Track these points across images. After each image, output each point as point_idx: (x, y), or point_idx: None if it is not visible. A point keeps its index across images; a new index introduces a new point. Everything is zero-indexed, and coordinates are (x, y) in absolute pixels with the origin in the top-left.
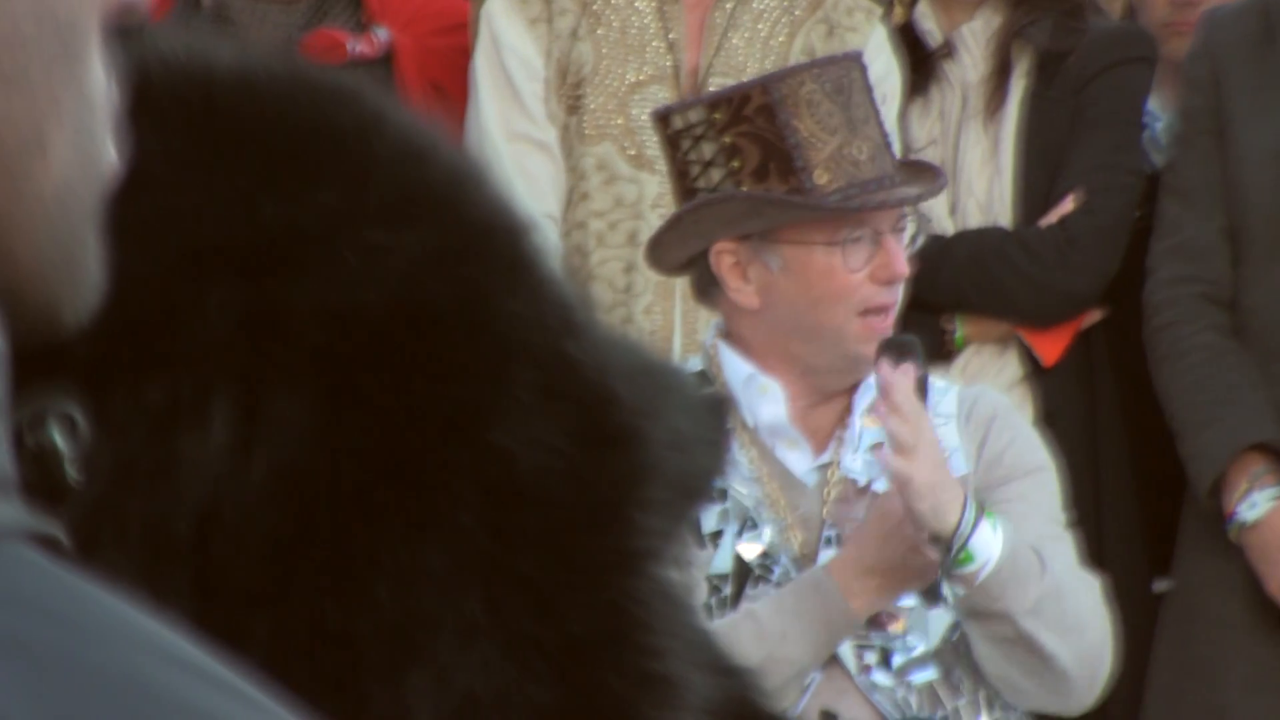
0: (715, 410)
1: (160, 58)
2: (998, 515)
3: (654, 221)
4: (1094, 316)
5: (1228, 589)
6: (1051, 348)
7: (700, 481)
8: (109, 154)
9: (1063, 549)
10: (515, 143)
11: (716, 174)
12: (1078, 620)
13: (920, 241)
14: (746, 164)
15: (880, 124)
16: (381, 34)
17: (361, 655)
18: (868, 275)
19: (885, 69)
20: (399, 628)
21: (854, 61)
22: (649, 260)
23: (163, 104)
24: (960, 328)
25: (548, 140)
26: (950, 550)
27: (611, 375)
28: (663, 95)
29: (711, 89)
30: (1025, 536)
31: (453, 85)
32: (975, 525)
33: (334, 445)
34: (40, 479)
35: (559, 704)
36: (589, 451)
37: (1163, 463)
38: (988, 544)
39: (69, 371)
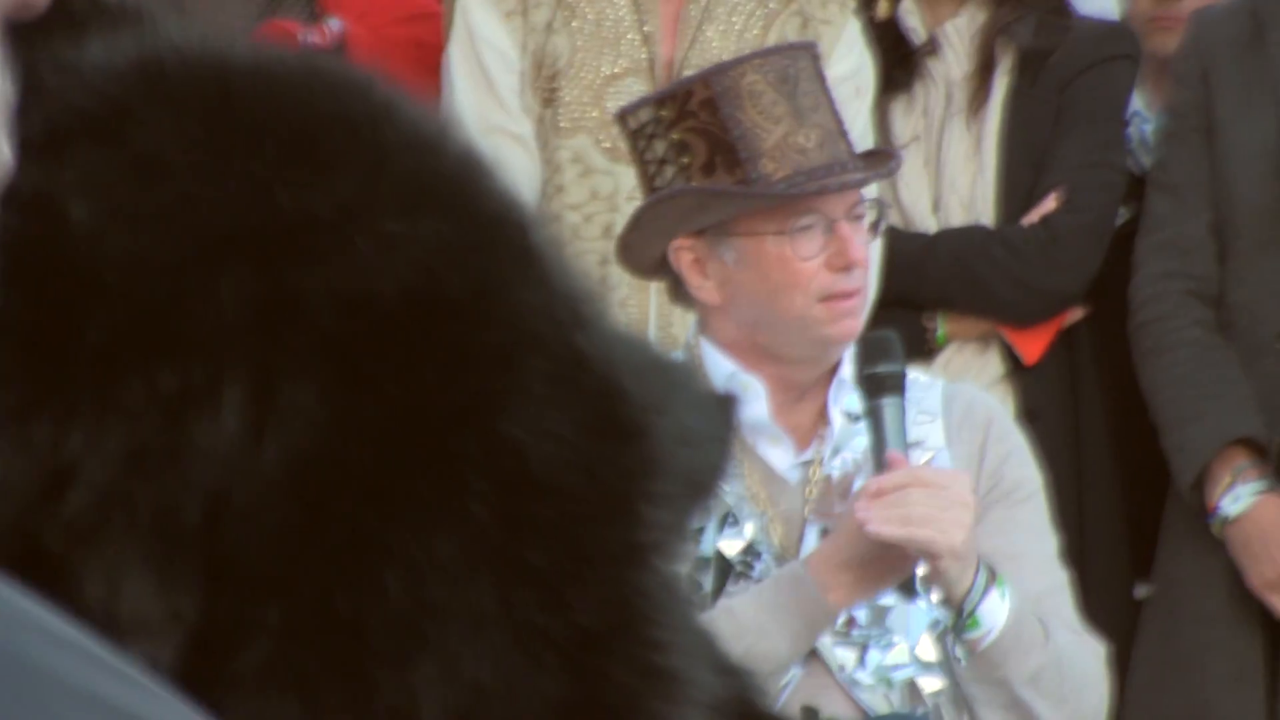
0: (723, 407)
1: (175, 48)
2: (1007, 583)
3: (629, 214)
4: (1076, 314)
5: (1210, 585)
6: (1033, 346)
7: (707, 477)
8: (2, 152)
9: (1065, 600)
10: (491, 136)
11: (670, 171)
12: (1076, 689)
13: (884, 228)
14: (695, 159)
15: (834, 112)
16: (334, 25)
17: (370, 644)
18: (823, 263)
19: (858, 62)
20: (408, 617)
21: (802, 50)
22: (621, 263)
23: (179, 93)
24: (942, 325)
25: (523, 133)
26: (961, 614)
27: (621, 369)
28: (638, 88)
29: None
30: (1034, 587)
31: (408, 76)
32: (985, 592)
33: (346, 433)
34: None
35: (566, 695)
36: (599, 444)
37: (1146, 462)
38: (994, 611)
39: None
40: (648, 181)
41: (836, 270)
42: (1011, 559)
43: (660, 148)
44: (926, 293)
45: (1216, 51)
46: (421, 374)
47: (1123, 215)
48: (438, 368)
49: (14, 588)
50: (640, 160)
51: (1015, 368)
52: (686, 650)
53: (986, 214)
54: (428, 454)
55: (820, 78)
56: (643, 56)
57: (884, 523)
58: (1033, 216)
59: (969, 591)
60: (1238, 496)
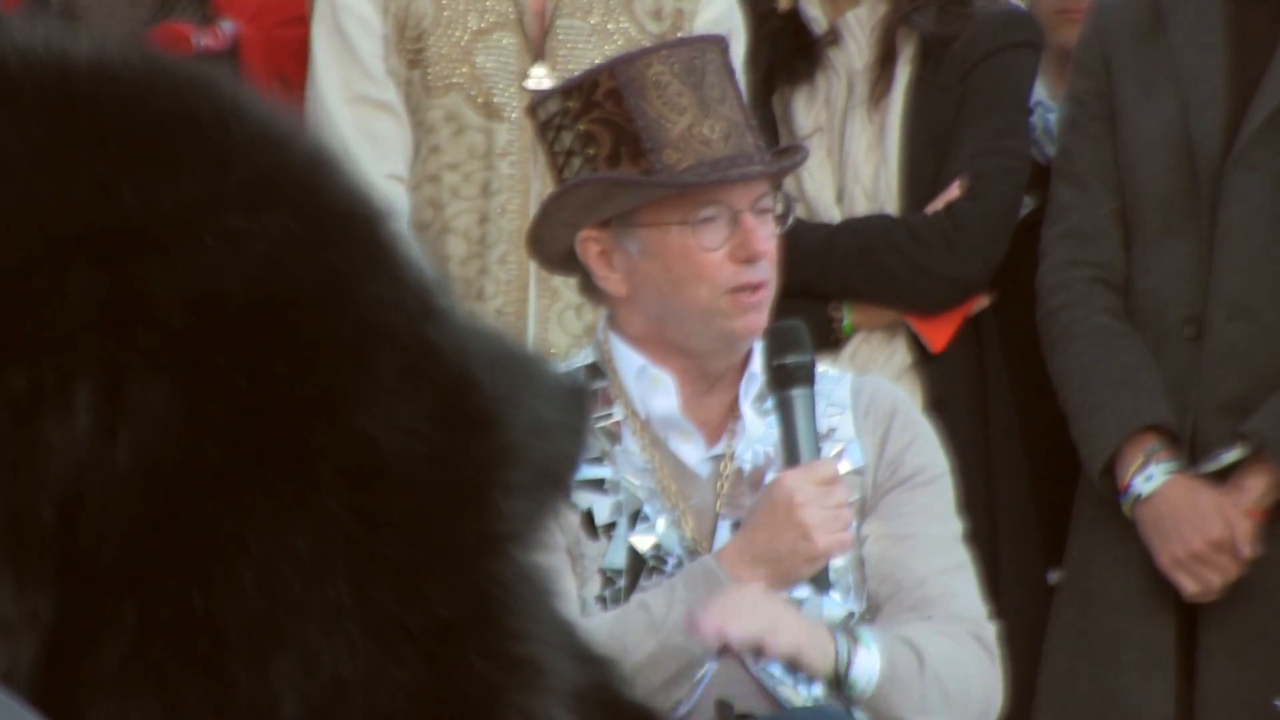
0: (577, 398)
1: (17, 48)
2: (865, 632)
3: (504, 170)
4: (981, 303)
5: (1122, 571)
6: (939, 334)
7: (562, 467)
8: None
9: (962, 580)
10: (357, 106)
11: (576, 162)
12: (963, 691)
13: (791, 221)
14: (601, 150)
15: (741, 104)
16: (227, 27)
17: (228, 640)
18: (727, 254)
19: (726, 6)
20: (265, 612)
21: (710, 43)
22: (532, 257)
23: (21, 93)
24: (848, 315)
25: (390, 100)
26: (840, 686)
27: (472, 360)
28: (507, 41)
29: (559, 30)
30: (923, 567)
31: (299, 76)
32: (852, 656)
33: (197, 430)
34: None
35: (425, 687)
36: (451, 435)
37: (1055, 449)
38: (867, 667)
39: None
40: (556, 173)
41: (740, 262)
42: (903, 539)
43: (568, 139)
44: (832, 283)
45: (1117, 39)
46: (271, 369)
47: (1027, 205)
48: (287, 362)
49: None
50: (550, 152)
51: (923, 357)
52: (546, 639)
53: (890, 203)
54: (279, 449)
55: (728, 70)
56: (510, 10)
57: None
58: (937, 205)
59: (836, 664)
60: (1150, 476)
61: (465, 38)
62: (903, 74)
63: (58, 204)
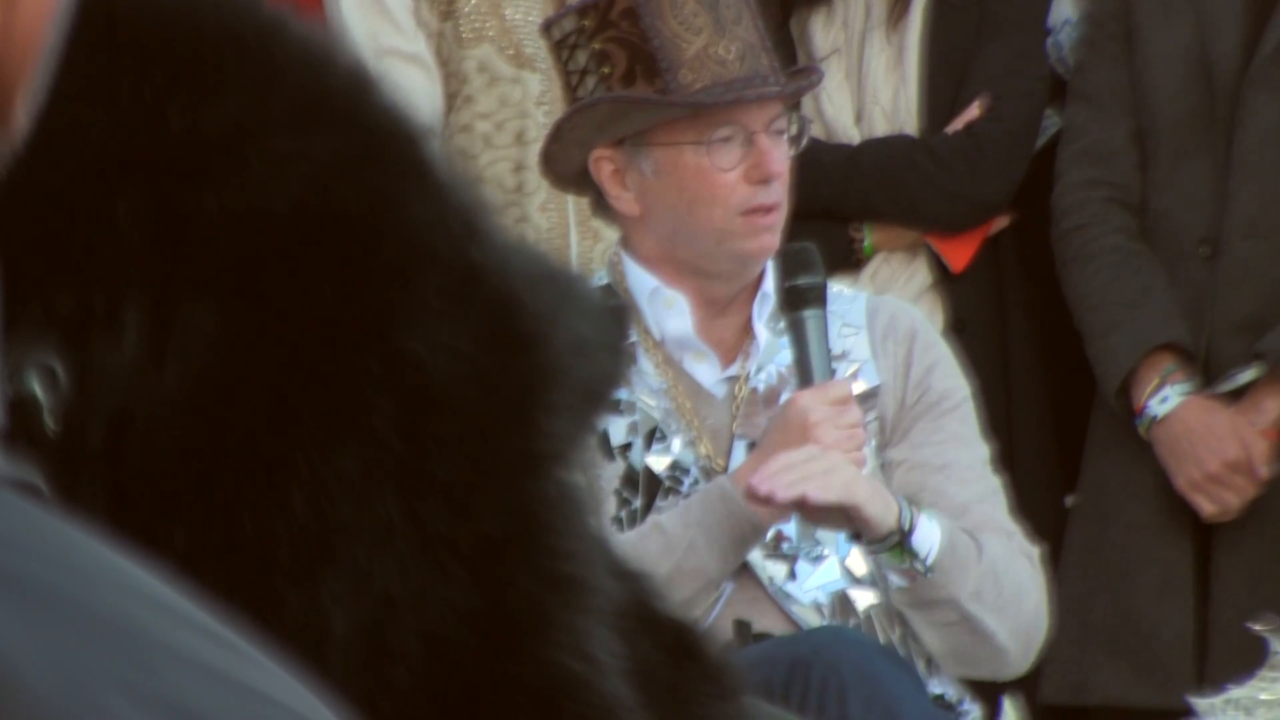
0: (616, 317)
1: None
2: (929, 509)
3: (539, 119)
4: (1001, 222)
5: (1137, 492)
6: (960, 254)
7: (602, 386)
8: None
9: (998, 504)
10: (384, 58)
11: (591, 81)
12: (1015, 596)
13: (805, 142)
14: (616, 69)
15: (756, 26)
16: None
17: (277, 560)
18: (741, 175)
19: None
20: (314, 532)
21: None
22: (545, 175)
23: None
24: (869, 235)
25: (418, 51)
26: (902, 549)
27: (514, 280)
28: None
29: None
30: (962, 495)
31: (311, 3)
32: (915, 521)
33: (245, 351)
34: (19, 427)
35: (474, 605)
36: (495, 355)
37: (1074, 370)
38: (928, 537)
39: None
40: (570, 92)
41: (754, 183)
42: (939, 469)
43: (582, 58)
44: (852, 204)
45: None
46: (318, 291)
47: (1056, 123)
48: (334, 284)
49: (113, 549)
50: (563, 71)
51: (943, 277)
52: (589, 558)
53: (910, 124)
54: (327, 370)
55: None
56: None
57: (821, 490)
58: (957, 125)
59: (900, 524)
60: (1165, 397)
61: None
62: None
63: (103, 129)
